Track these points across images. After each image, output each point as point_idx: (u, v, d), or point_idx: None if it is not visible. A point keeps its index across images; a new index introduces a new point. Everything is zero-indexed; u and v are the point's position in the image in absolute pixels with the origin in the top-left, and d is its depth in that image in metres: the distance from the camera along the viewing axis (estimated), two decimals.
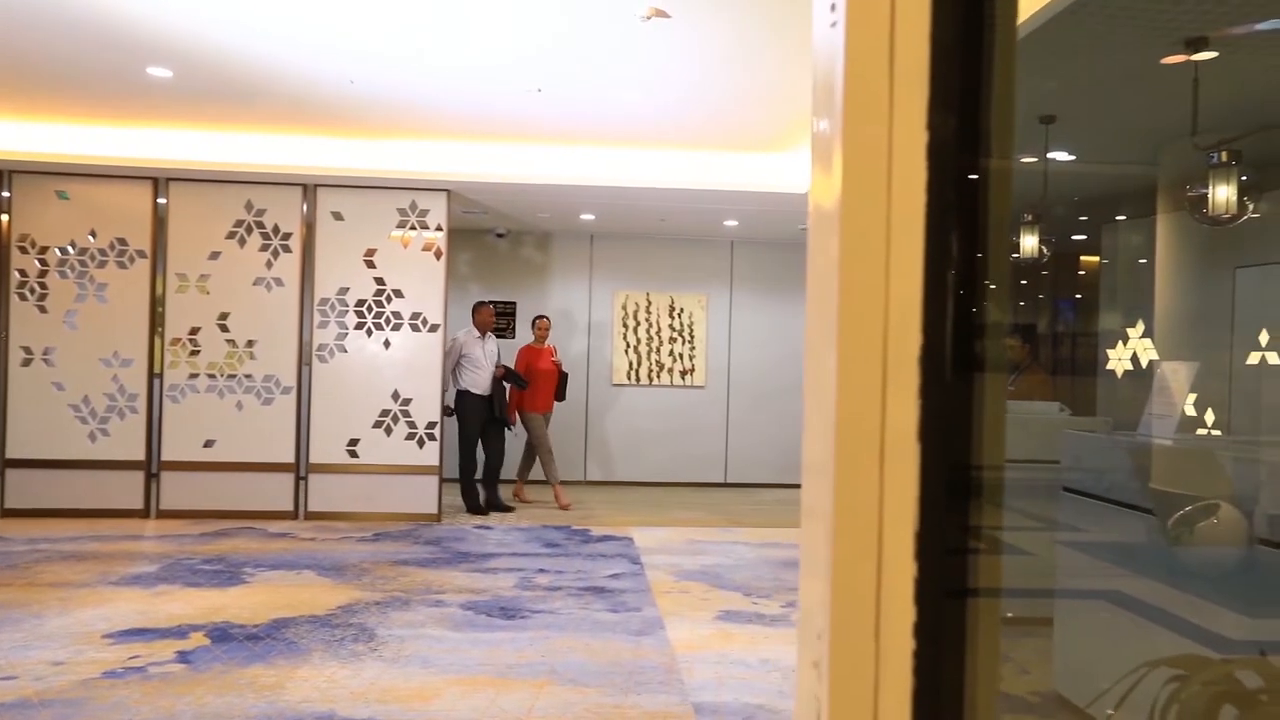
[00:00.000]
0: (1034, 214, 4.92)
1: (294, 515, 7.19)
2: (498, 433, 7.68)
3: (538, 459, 8.04)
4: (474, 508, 7.55)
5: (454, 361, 7.48)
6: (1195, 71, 3.60)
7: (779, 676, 3.91)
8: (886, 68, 0.64)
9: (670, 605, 4.99)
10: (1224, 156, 3.48)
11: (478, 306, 7.76)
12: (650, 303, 9.66)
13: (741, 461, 9.79)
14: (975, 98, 0.65)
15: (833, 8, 0.76)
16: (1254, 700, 1.20)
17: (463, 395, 7.50)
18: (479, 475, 7.66)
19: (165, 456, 7.12)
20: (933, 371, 0.64)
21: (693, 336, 9.76)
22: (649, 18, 4.19)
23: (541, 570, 5.72)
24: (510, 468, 8.15)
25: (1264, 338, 4.62)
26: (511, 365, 7.88)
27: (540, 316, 8.25)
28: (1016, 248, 5.28)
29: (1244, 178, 3.49)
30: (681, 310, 9.76)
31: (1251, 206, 3.48)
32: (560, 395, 8.20)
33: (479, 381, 7.49)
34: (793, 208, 7.75)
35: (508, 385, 7.74)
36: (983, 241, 0.66)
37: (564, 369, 8.28)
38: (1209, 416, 3.97)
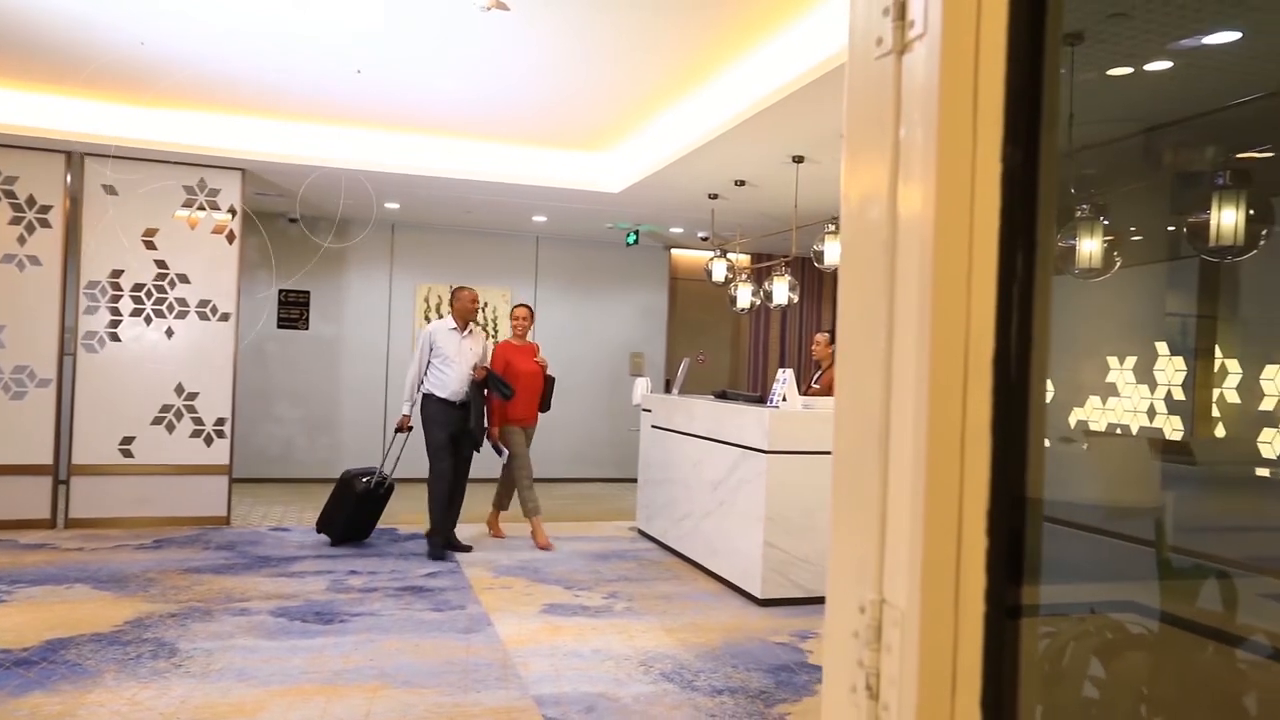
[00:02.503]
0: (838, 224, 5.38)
1: (51, 524, 6.40)
2: (463, 450, 6.16)
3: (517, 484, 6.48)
4: (436, 553, 5.93)
5: (424, 361, 6.06)
6: None
7: (613, 665, 4.01)
8: (971, 107, 0.73)
9: (494, 601, 4.96)
10: None
11: (456, 292, 6.27)
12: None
13: (542, 457, 9.81)
14: (1035, 134, 0.76)
15: (879, 41, 0.85)
16: (1117, 648, 1.42)
17: (425, 400, 6.03)
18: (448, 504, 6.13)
19: None
20: (1003, 373, 0.74)
21: (496, 331, 9.68)
22: (489, 9, 4.13)
23: (353, 571, 5.48)
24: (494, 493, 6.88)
25: None
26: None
27: (520, 305, 6.55)
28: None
29: None
30: (485, 304, 9.64)
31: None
32: (545, 404, 6.55)
33: (446, 383, 5.98)
34: (603, 206, 7.90)
35: (488, 393, 6.15)
36: (1033, 258, 0.76)
37: (550, 371, 6.61)
38: None
